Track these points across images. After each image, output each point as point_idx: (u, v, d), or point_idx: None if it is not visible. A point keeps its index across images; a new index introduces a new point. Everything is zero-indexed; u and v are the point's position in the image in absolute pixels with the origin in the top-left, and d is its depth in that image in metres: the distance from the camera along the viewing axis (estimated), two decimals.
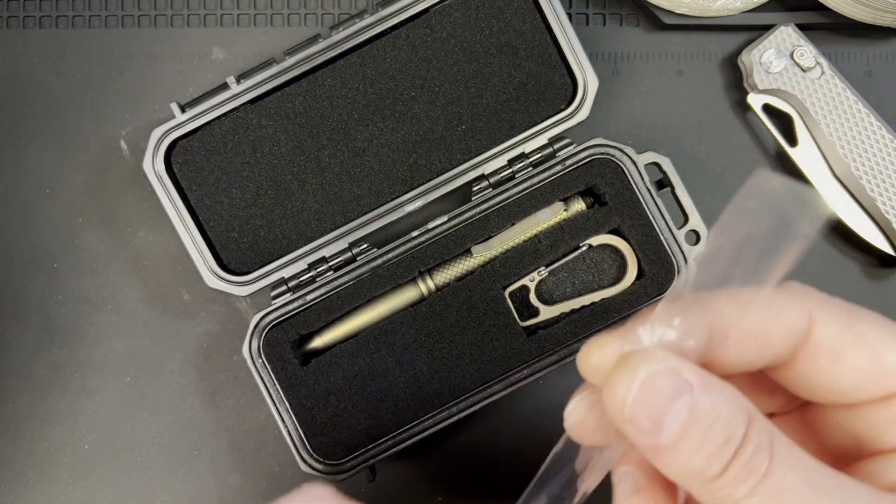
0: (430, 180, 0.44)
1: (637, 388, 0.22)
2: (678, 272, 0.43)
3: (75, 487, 0.47)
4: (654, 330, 0.23)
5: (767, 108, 0.47)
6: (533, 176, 0.44)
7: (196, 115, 0.43)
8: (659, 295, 0.43)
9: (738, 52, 0.47)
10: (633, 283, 0.44)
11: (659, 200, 0.43)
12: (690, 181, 0.47)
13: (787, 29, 0.46)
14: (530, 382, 0.43)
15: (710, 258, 0.23)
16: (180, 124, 0.43)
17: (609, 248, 0.45)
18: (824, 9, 0.46)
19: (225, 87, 0.43)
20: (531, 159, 0.44)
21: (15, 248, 0.48)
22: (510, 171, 0.44)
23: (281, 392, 0.43)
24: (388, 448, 0.43)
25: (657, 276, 0.43)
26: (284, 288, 0.44)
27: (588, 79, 0.43)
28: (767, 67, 0.46)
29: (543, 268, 0.44)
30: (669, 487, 0.26)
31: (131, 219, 0.48)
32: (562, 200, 0.44)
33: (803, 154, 0.46)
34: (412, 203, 0.44)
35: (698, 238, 0.44)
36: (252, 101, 0.43)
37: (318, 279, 0.44)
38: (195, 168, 0.44)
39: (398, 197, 0.44)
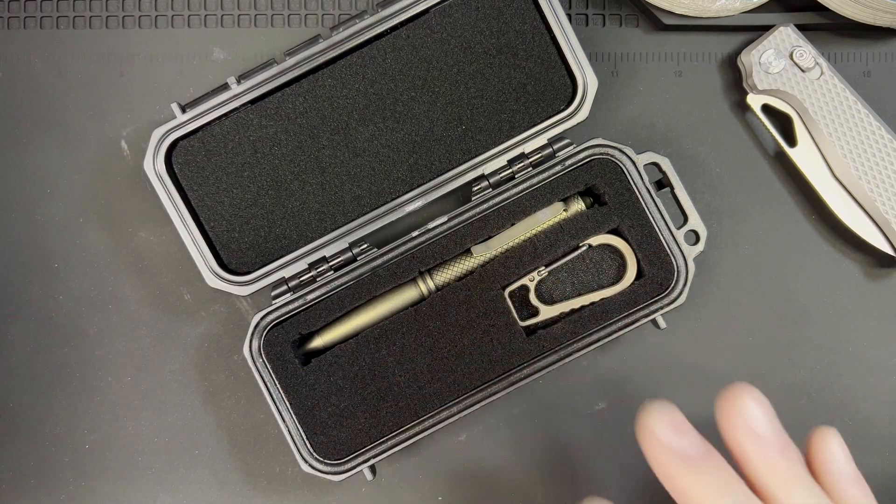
0: (430, 180, 0.44)
1: None
2: (677, 272, 0.43)
3: (75, 487, 0.48)
4: None
5: (767, 109, 0.47)
6: (533, 176, 0.44)
7: (196, 115, 0.43)
8: (659, 295, 0.43)
9: (738, 52, 0.47)
10: (632, 283, 0.44)
11: (658, 200, 0.43)
12: (690, 181, 0.47)
13: (787, 29, 0.46)
14: (530, 382, 0.43)
15: None
16: (181, 124, 0.43)
17: (609, 248, 0.45)
18: (824, 9, 0.46)
19: (225, 87, 0.43)
20: (531, 159, 0.44)
21: (15, 248, 0.48)
22: (510, 171, 0.44)
23: (281, 392, 0.43)
24: (389, 448, 0.43)
25: (656, 275, 0.43)
26: (285, 288, 0.44)
27: (588, 79, 0.44)
28: (767, 68, 0.46)
29: (543, 268, 0.44)
30: None
31: (132, 219, 0.48)
32: (561, 200, 0.44)
33: (803, 154, 0.46)
34: (412, 203, 0.44)
35: (697, 238, 0.44)
36: (252, 102, 0.43)
37: (318, 279, 0.44)
38: (196, 168, 0.44)
39: (398, 197, 0.44)
